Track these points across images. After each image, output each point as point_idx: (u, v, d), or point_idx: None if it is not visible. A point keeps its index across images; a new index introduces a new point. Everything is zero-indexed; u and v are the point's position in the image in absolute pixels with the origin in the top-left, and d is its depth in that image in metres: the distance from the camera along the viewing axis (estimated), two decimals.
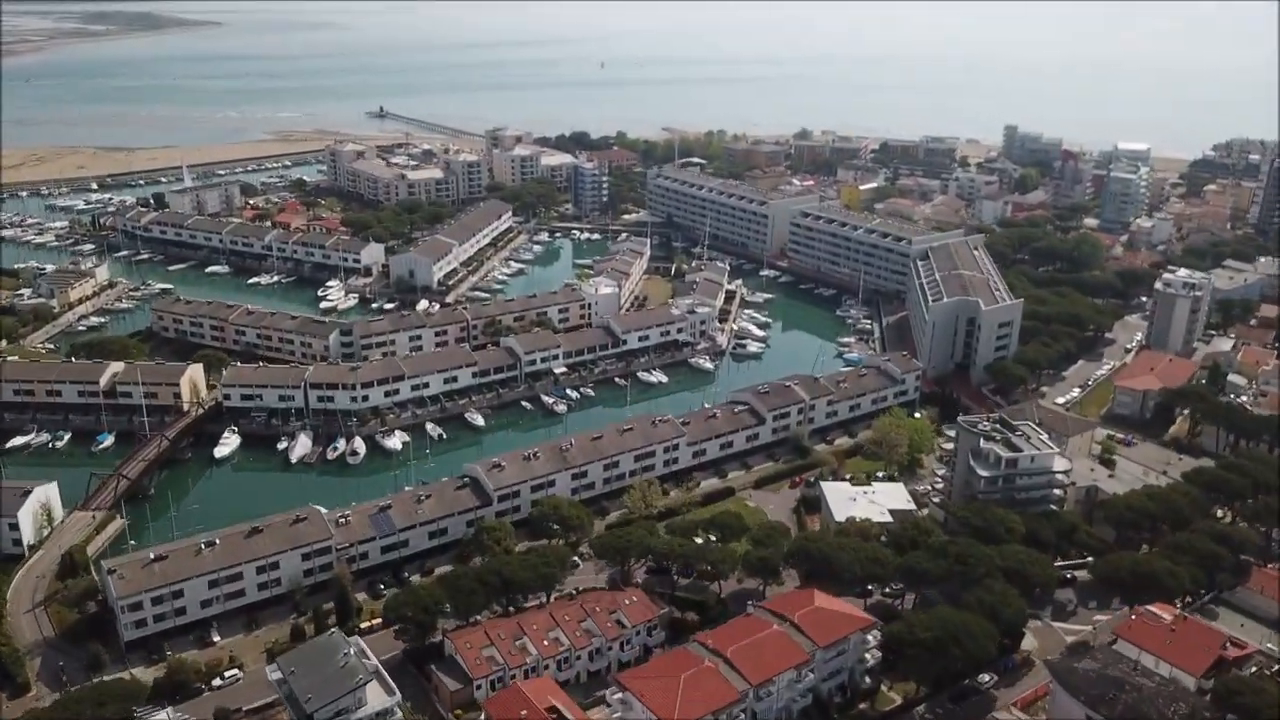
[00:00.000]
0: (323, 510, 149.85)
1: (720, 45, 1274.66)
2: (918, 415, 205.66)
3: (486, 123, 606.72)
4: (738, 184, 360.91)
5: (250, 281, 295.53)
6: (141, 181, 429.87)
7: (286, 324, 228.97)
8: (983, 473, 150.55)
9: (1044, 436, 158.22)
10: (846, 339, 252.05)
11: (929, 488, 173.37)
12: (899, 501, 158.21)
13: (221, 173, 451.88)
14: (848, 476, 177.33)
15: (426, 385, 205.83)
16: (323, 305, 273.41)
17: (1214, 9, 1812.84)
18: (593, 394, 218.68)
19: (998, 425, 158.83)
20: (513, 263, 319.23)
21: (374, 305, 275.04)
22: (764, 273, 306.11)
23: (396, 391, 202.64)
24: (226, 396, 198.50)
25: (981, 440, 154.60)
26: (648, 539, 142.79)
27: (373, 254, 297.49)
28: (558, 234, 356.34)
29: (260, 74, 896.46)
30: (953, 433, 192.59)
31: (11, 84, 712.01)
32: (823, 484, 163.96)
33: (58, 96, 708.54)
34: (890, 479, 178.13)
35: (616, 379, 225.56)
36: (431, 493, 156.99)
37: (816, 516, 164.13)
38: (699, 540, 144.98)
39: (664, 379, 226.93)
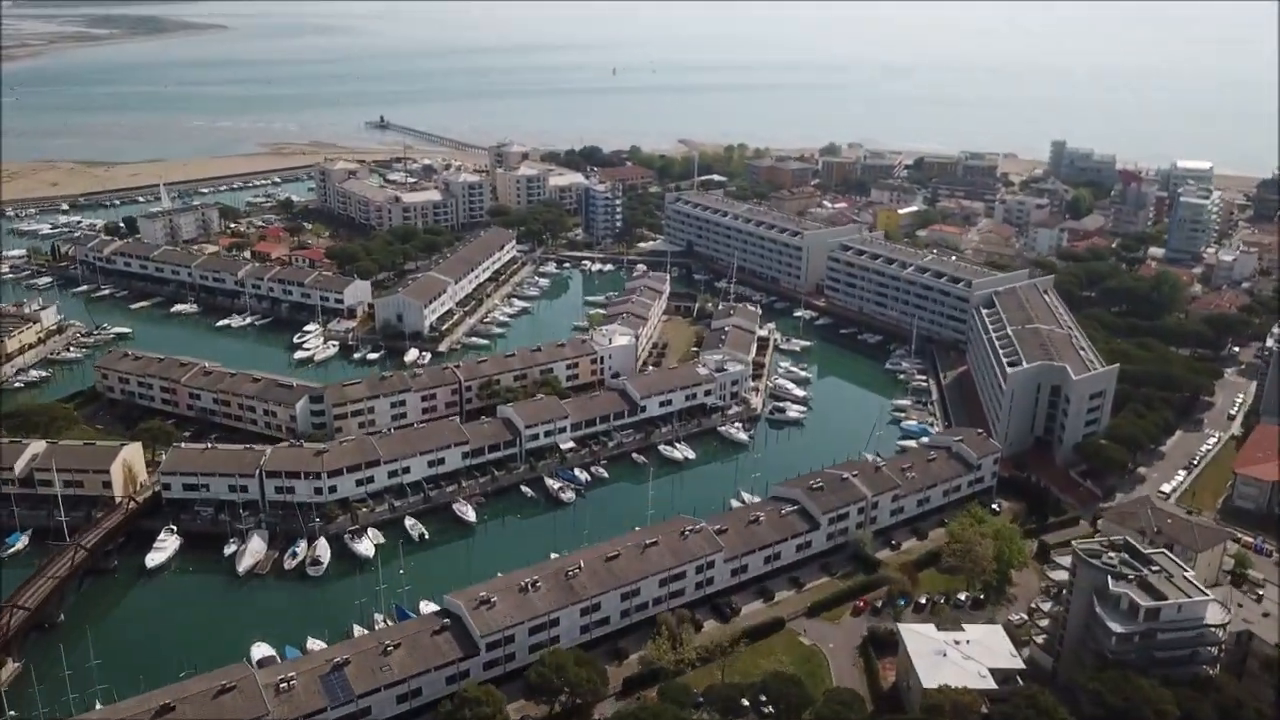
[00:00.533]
0: (257, 673, 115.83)
1: (733, 50, 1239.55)
2: (996, 507, 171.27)
3: (492, 134, 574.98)
4: (766, 210, 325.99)
5: (220, 324, 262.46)
6: (117, 201, 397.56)
7: (248, 388, 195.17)
8: (1116, 627, 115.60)
9: (1188, 573, 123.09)
10: (901, 401, 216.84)
11: (1024, 617, 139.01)
12: (1000, 655, 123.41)
13: (205, 191, 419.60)
14: (923, 599, 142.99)
15: (407, 470, 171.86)
16: (298, 354, 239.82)
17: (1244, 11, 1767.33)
18: (606, 475, 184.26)
19: (1127, 558, 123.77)
20: (516, 300, 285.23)
21: (356, 355, 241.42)
22: (799, 313, 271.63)
23: (371, 479, 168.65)
24: (166, 486, 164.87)
25: (1110, 579, 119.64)
26: None
27: (357, 292, 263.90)
28: (566, 264, 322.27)
29: (260, 80, 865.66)
30: (1044, 540, 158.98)
31: None
32: (901, 627, 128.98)
33: (45, 104, 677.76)
34: (975, 601, 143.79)
35: (634, 454, 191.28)
36: (402, 639, 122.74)
37: (891, 663, 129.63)
38: None
39: (690, 454, 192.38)
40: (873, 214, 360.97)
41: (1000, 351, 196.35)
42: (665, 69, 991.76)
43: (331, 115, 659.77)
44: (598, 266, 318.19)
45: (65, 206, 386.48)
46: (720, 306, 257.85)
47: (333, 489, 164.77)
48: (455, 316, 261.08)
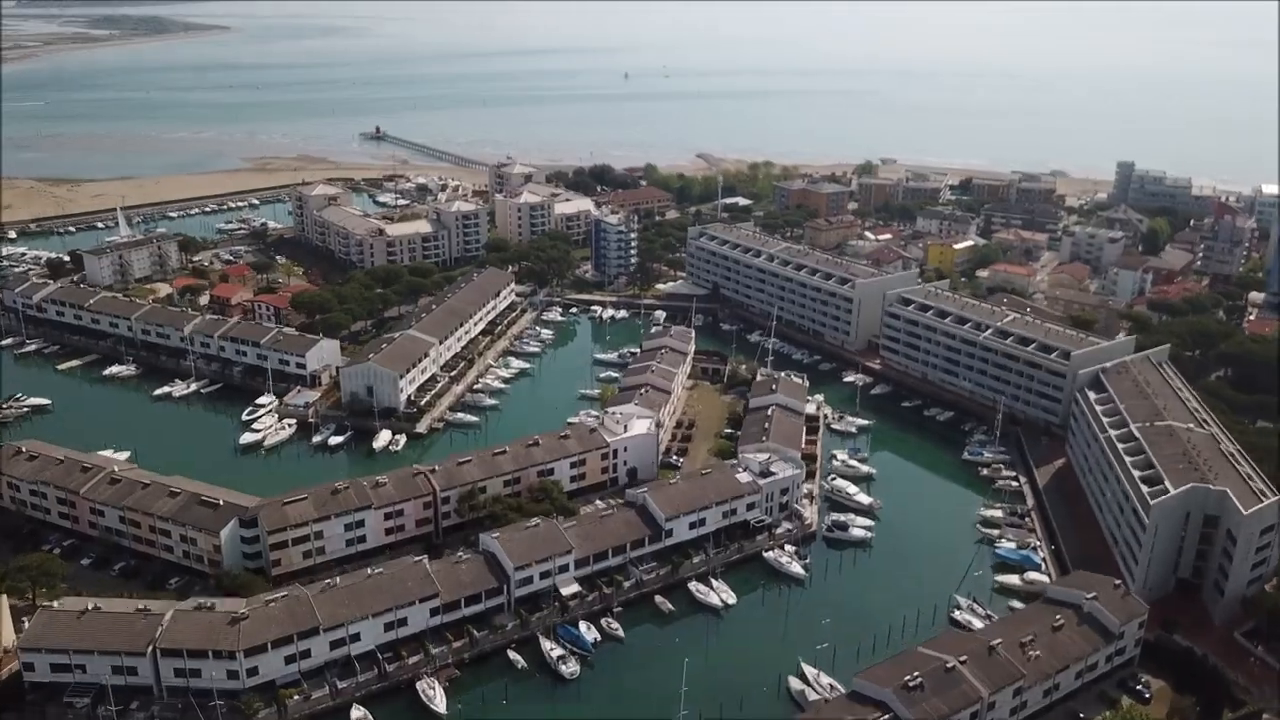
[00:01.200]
0: None
1: (744, 53, 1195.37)
2: (1143, 690, 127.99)
3: (496, 147, 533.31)
4: (804, 249, 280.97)
5: (160, 392, 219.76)
6: (72, 229, 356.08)
7: (163, 505, 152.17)
8: None
9: None
10: (991, 512, 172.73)
11: None
12: None
13: (173, 215, 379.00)
14: None
15: (356, 638, 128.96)
16: (245, 437, 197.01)
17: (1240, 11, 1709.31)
18: (621, 634, 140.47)
19: None
20: (513, 359, 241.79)
21: (316, 438, 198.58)
22: (851, 378, 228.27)
23: (306, 653, 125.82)
24: (29, 666, 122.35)
25: None
26: None
27: (323, 354, 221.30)
28: (574, 309, 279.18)
29: (256, 85, 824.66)
30: None
31: None
32: None
33: (21, 112, 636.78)
34: None
35: (657, 597, 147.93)
36: None
37: None
38: None
39: (731, 597, 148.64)
40: (922, 248, 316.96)
41: (1129, 462, 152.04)
42: (678, 73, 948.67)
43: (325, 125, 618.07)
44: (610, 313, 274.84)
45: (13, 234, 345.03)
46: (758, 374, 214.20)
47: (253, 670, 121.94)
48: (440, 384, 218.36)
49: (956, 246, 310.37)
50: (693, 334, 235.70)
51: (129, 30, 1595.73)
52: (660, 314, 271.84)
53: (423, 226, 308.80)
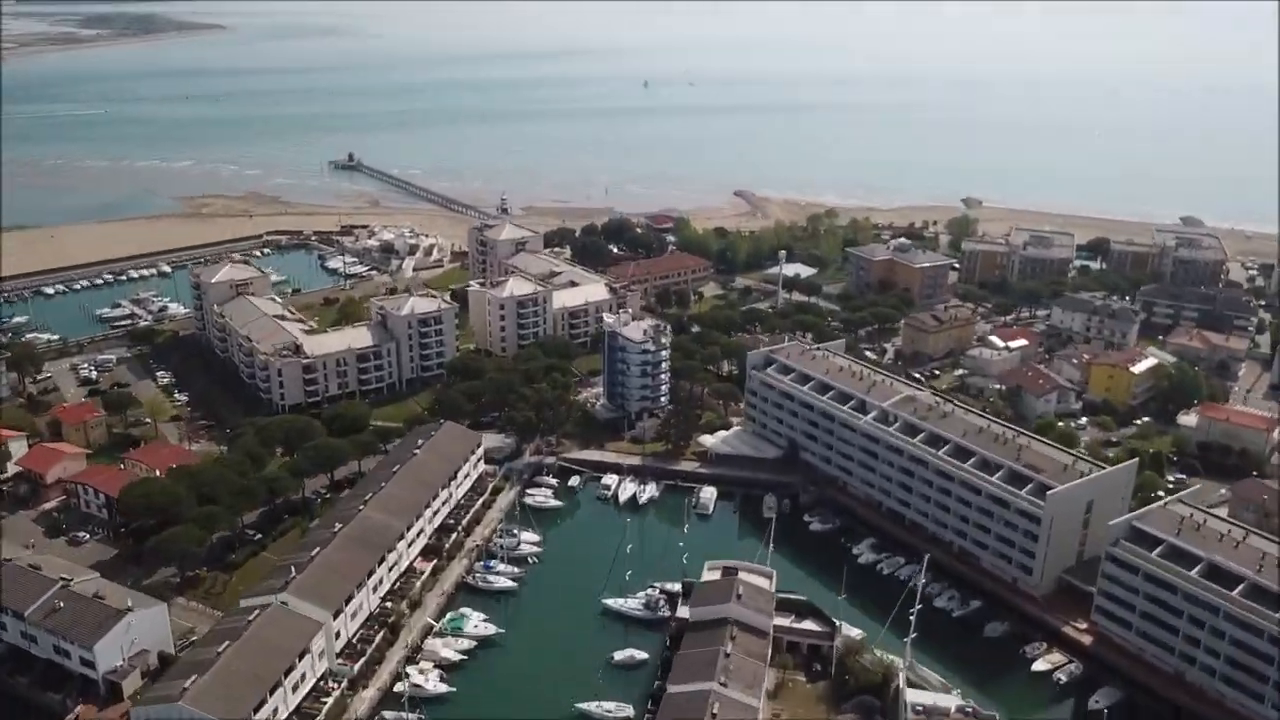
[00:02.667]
0: None
1: (773, 57, 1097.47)
2: None
3: (488, 179, 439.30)
4: (936, 404, 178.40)
5: None
6: None
7: None
8: None
9: None
10: None
11: None
12: None
13: (51, 291, 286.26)
14: None
15: None
16: None
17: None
18: None
19: None
20: (468, 617, 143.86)
21: None
22: (1040, 661, 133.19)
23: None
24: None
25: None
26: None
27: (135, 634, 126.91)
28: (575, 478, 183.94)
29: (232, 94, 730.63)
30: None
31: None
32: None
33: None
34: None
35: None
36: None
37: None
38: None
39: None
40: (1076, 364, 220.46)
41: None
42: (703, 81, 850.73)
43: (291, 148, 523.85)
44: (630, 489, 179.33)
45: None
46: (901, 674, 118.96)
47: None
48: (336, 681, 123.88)
49: (1135, 369, 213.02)
50: (772, 579, 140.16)
51: (119, 30, 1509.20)
52: (709, 493, 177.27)
53: (360, 337, 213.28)
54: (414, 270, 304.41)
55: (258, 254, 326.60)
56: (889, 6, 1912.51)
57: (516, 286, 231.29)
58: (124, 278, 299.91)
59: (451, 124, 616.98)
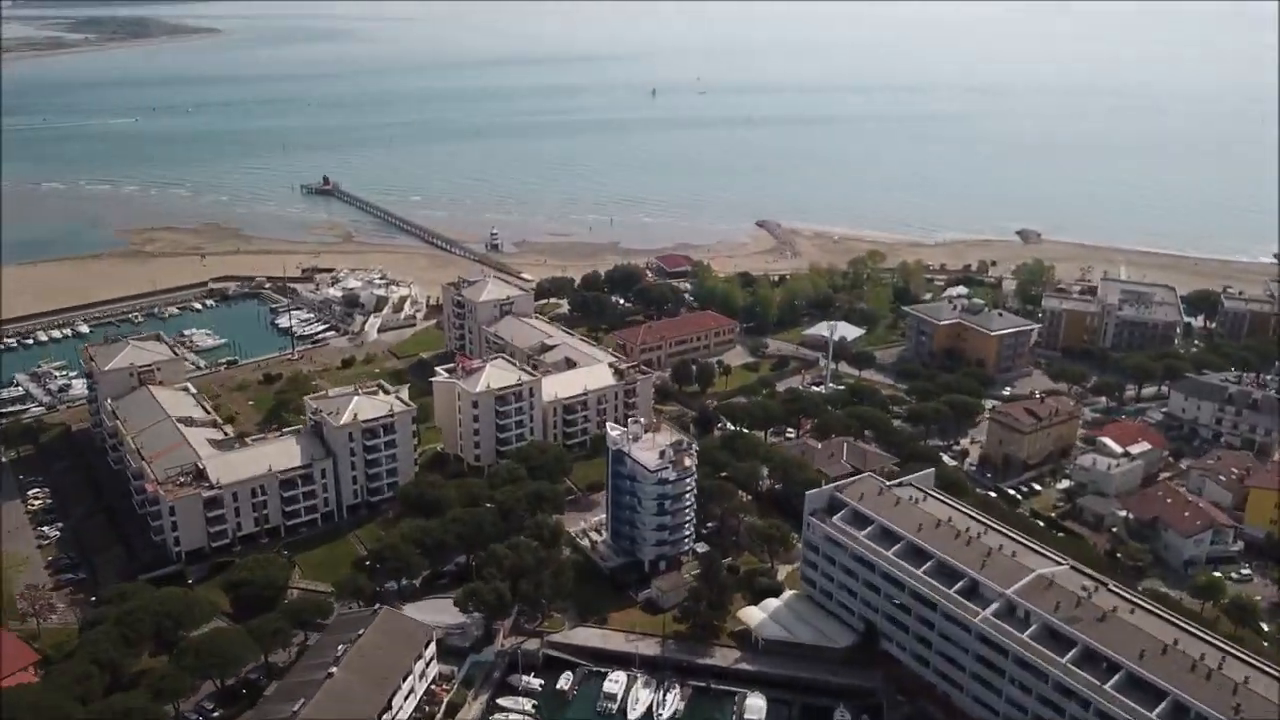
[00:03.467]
0: None
1: (786, 61, 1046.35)
2: None
3: (477, 209, 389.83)
4: (1083, 593, 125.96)
5: None
6: None
7: None
8: None
9: None
10: None
11: None
12: None
13: None
14: None
15: None
16: None
17: None
18: None
19: None
20: None
21: None
22: None
23: None
24: None
25: None
26: None
27: None
28: (567, 675, 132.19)
29: (206, 105, 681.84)
30: None
31: None
32: None
33: None
34: None
35: None
36: None
37: None
38: None
39: None
40: (1227, 486, 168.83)
41: None
42: (714, 89, 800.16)
43: (261, 170, 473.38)
44: (644, 697, 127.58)
45: None
46: None
47: None
48: None
49: None
50: None
51: (108, 34, 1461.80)
52: (756, 704, 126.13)
53: (285, 452, 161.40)
54: (379, 331, 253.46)
55: (198, 306, 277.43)
56: (889, 7, 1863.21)
57: (495, 376, 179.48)
58: (30, 341, 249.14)
59: (441, 141, 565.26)
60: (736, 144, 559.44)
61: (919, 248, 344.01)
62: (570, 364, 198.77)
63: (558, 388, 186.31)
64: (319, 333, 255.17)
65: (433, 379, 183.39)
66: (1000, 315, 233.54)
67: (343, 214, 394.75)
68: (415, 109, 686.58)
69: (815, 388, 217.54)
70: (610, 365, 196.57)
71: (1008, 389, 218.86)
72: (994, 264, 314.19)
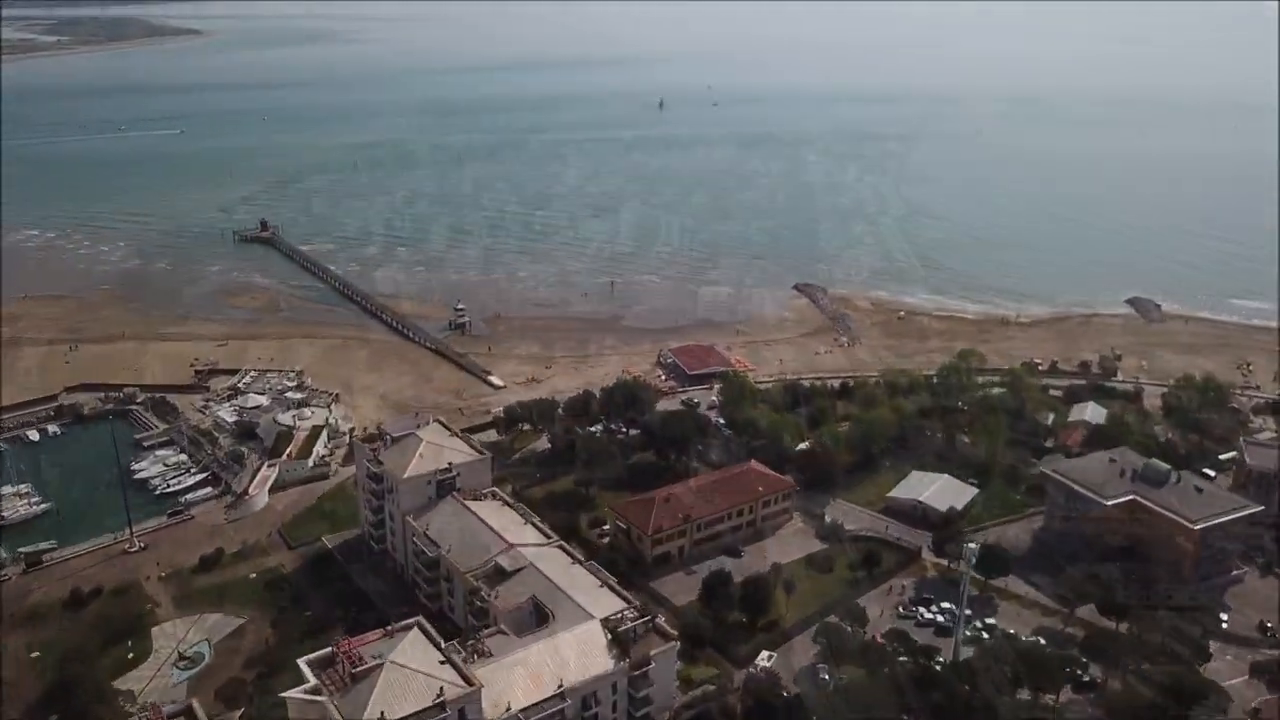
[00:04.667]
0: None
1: (801, 67, 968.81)
2: None
3: (440, 266, 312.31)
4: None
5: None
6: None
7: None
8: None
9: None
10: None
11: None
12: None
13: None
14: None
15: None
16: None
17: None
18: None
19: None
20: None
21: None
22: None
23: None
24: None
25: None
26: None
27: None
28: None
29: (121, 125, 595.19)
30: None
31: None
32: None
33: None
34: None
35: None
36: None
37: None
38: None
39: None
40: None
41: None
42: (726, 99, 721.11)
43: (191, 202, 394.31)
44: None
45: None
46: None
47: None
48: None
49: None
50: None
51: (83, 36, 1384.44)
52: None
53: None
54: (272, 490, 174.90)
55: (34, 436, 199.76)
56: (888, 8, 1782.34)
57: (395, 683, 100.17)
58: None
59: (412, 167, 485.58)
60: (755, 171, 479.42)
61: (1008, 328, 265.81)
62: (541, 614, 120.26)
63: (511, 692, 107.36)
64: (188, 489, 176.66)
65: (287, 695, 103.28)
66: (1199, 490, 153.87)
67: (276, 272, 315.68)
68: (388, 125, 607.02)
69: (920, 612, 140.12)
70: (606, 628, 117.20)
71: (1224, 617, 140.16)
72: (1119, 357, 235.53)
